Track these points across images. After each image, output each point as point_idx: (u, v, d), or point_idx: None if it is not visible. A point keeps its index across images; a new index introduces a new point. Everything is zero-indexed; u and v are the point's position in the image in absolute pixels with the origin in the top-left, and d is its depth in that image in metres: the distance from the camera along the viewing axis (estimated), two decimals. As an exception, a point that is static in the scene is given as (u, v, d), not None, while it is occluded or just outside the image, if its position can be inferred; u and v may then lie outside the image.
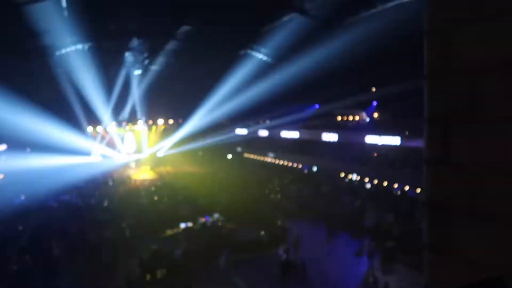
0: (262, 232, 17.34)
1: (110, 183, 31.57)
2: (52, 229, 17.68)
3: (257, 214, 20.66)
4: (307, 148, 34.44)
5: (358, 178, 27.54)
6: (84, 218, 20.21)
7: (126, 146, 43.20)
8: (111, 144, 41.50)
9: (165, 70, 32.27)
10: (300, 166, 34.47)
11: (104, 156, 40.34)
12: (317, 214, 20.54)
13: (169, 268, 14.15)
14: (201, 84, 34.38)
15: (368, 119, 36.94)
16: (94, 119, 37.00)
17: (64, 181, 25.67)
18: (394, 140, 25.62)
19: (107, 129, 40.64)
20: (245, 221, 19.63)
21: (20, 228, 18.30)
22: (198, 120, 40.52)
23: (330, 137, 31.26)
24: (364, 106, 35.34)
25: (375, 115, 36.40)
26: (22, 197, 24.06)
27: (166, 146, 43.85)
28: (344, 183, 27.84)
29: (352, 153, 30.35)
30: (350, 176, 28.33)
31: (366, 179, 26.57)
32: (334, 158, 29.57)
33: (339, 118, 41.11)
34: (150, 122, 43.25)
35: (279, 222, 19.55)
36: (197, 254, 15.36)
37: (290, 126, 36.60)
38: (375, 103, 34.06)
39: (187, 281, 13.17)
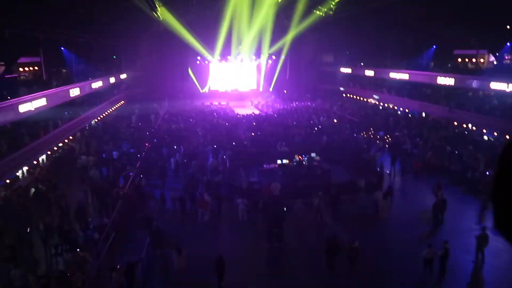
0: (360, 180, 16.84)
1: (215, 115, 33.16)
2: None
3: (355, 157, 20.05)
4: (417, 92, 31.51)
5: (474, 128, 24.51)
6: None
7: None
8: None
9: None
10: (407, 111, 31.89)
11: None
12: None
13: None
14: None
15: (495, 62, 31.93)
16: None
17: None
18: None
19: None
20: (342, 163, 19.26)
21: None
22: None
23: (445, 80, 27.79)
24: (493, 48, 30.46)
25: (507, 58, 31.27)
26: None
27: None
28: (454, 132, 25.05)
29: (471, 100, 26.85)
30: (465, 126, 25.37)
31: (484, 130, 23.56)
32: (447, 105, 26.54)
33: (459, 60, 36.44)
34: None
35: (377, 169, 18.76)
36: (291, 190, 15.68)
37: (400, 67, 33.42)
38: (509, 44, 28.97)
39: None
